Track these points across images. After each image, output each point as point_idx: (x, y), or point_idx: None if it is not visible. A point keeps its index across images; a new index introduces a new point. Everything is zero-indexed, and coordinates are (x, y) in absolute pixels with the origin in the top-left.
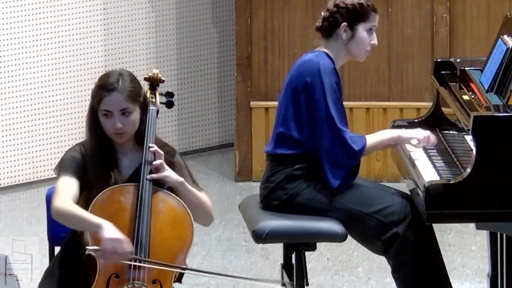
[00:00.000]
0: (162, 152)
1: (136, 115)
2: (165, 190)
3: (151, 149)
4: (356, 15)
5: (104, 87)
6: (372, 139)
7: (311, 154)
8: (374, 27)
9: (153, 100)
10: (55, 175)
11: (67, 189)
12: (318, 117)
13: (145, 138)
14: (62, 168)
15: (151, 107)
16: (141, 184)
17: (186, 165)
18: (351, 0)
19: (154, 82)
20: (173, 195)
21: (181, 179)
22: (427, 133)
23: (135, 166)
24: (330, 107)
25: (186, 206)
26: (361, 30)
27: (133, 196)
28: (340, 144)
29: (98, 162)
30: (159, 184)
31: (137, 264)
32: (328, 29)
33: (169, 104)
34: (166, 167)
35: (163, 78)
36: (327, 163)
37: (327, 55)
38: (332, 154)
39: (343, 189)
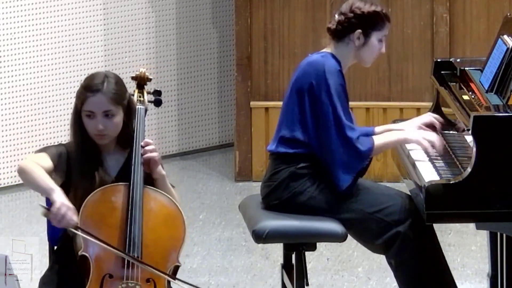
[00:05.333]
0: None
1: (119, 118)
2: (156, 189)
3: (148, 147)
4: (372, 23)
5: (88, 87)
6: (379, 140)
7: (316, 154)
8: (385, 37)
9: (141, 99)
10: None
11: (39, 158)
12: (325, 119)
13: (135, 137)
14: (41, 150)
15: (140, 106)
16: (132, 183)
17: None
18: (368, 7)
19: (141, 81)
20: (164, 193)
21: (164, 172)
22: (432, 137)
23: (120, 165)
24: (337, 108)
25: (177, 204)
26: (374, 38)
27: (125, 195)
28: (348, 145)
29: (83, 161)
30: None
31: (130, 259)
32: (340, 33)
33: (157, 103)
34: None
35: (151, 77)
36: (335, 165)
37: (334, 56)
38: (341, 156)
39: (351, 191)
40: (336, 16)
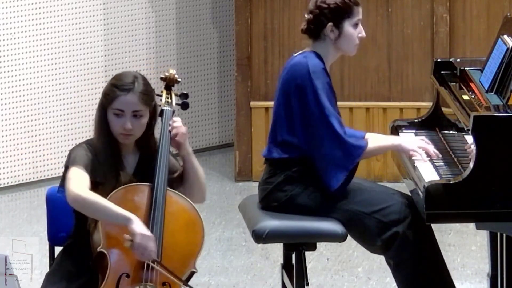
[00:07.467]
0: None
1: (145, 120)
2: (178, 193)
3: (176, 123)
4: (340, 13)
5: (119, 86)
6: (373, 143)
7: (307, 156)
8: (359, 21)
9: (169, 100)
10: (64, 168)
11: (82, 178)
12: (314, 119)
13: (160, 138)
14: (72, 161)
15: (167, 108)
16: (156, 184)
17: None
18: None
19: (170, 83)
20: (186, 197)
21: (191, 150)
22: (425, 145)
23: (135, 165)
24: (326, 107)
25: (197, 210)
26: (348, 26)
27: (147, 196)
28: (339, 142)
29: (108, 160)
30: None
31: (152, 263)
32: (314, 31)
33: (185, 106)
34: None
35: (179, 79)
36: (327, 165)
37: (316, 54)
38: (332, 154)
39: (342, 191)
40: (306, 15)
